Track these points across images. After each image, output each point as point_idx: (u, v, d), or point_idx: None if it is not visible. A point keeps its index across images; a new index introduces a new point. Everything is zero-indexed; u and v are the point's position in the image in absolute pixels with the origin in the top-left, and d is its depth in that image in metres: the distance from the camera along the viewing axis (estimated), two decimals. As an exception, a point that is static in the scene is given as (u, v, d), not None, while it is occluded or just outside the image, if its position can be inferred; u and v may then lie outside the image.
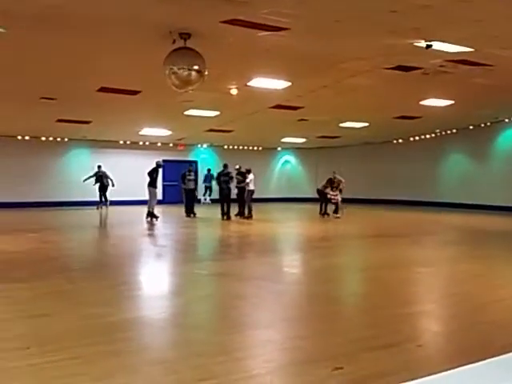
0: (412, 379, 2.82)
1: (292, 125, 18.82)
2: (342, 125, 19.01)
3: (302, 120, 17.65)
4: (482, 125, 19.49)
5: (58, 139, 21.97)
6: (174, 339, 4.35)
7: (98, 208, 20.17)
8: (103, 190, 20.66)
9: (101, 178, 20.54)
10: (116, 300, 5.51)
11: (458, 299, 5.68)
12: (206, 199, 24.73)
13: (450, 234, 13.11)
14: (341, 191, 17.56)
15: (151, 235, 12.78)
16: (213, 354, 3.73)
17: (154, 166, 15.82)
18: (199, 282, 6.76)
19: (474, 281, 6.64)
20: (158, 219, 15.39)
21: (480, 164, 20.20)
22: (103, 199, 20.63)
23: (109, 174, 20.61)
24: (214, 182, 21.20)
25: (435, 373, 2.69)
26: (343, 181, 17.63)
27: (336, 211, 17.13)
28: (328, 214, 17.27)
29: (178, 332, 4.50)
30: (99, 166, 20.70)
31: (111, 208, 20.60)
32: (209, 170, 24.36)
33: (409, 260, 8.42)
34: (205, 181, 24.61)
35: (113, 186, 20.56)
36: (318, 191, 17.79)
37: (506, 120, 18.79)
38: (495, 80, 11.76)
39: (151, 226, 14.36)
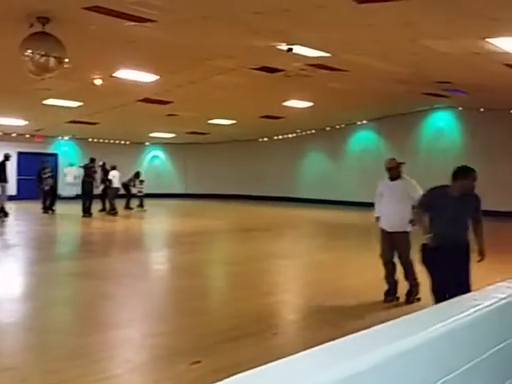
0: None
1: (161, 119, 18.56)
2: (210, 121, 19.20)
3: (171, 115, 17.49)
4: (337, 126, 21.09)
5: None
6: (26, 344, 4.07)
7: None
8: None
9: None
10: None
11: (313, 287, 6.09)
12: None
13: (308, 227, 13.96)
14: (142, 182, 17.96)
15: (1, 233, 11.73)
16: (68, 358, 3.56)
17: (1, 158, 14.39)
18: (57, 283, 6.38)
19: (328, 270, 7.16)
20: (9, 216, 14.06)
21: (336, 162, 21.82)
22: None
23: None
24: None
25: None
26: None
27: (141, 205, 17.34)
28: (132, 208, 17.35)
29: (30, 336, 4.21)
30: None
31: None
32: None
33: (271, 253, 8.80)
34: None
35: None
36: (124, 185, 17.78)
37: (358, 122, 20.54)
38: (349, 85, 12.77)
39: (1, 223, 13.16)
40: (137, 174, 17.98)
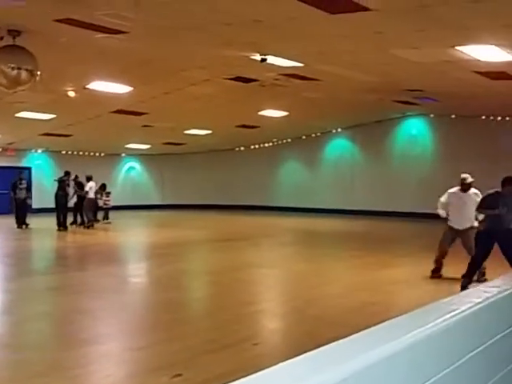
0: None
1: (136, 130, 18.41)
2: (186, 132, 19.15)
3: (147, 126, 17.38)
4: (313, 135, 21.28)
5: None
6: (3, 361, 3.97)
7: None
8: None
9: None
10: None
11: (293, 296, 6.10)
12: None
13: (286, 236, 13.98)
14: (108, 194, 17.74)
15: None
16: (45, 374, 3.48)
17: None
18: (33, 299, 6.25)
19: (307, 278, 7.17)
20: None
21: (312, 171, 21.97)
22: None
23: None
24: None
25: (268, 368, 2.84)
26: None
27: (107, 217, 17.12)
28: (98, 221, 16.90)
29: (7, 353, 4.11)
30: None
31: None
32: None
33: (249, 262, 8.78)
34: None
35: None
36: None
37: (333, 131, 20.76)
38: (322, 93, 12.90)
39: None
40: (102, 186, 17.51)
